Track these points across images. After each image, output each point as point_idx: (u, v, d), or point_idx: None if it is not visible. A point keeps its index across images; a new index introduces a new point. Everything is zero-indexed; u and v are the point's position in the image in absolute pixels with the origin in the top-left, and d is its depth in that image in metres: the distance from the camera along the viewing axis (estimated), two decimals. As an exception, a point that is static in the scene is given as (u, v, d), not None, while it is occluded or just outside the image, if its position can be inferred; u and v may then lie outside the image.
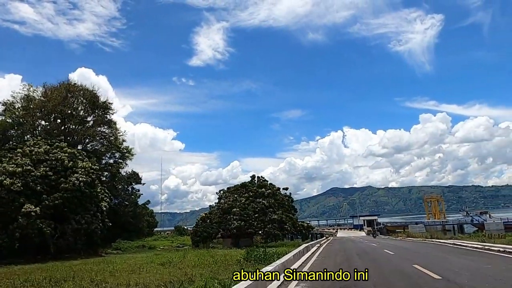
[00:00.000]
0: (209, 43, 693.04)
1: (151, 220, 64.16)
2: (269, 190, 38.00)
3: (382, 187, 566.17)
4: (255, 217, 35.32)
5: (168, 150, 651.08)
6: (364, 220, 79.76)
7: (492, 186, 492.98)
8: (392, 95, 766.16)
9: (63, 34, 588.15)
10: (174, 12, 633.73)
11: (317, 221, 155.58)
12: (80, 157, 32.82)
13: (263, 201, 36.26)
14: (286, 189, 40.66)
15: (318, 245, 26.09)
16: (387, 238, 43.86)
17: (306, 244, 21.47)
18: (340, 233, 71.17)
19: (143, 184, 56.74)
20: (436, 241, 25.88)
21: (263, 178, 40.59)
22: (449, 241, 24.09)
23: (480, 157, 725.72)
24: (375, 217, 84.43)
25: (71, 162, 30.86)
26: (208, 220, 36.96)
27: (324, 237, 51.19)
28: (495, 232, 47.76)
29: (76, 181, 29.76)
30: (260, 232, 35.74)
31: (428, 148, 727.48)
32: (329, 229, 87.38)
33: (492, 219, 68.07)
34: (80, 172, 30.78)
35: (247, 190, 38.35)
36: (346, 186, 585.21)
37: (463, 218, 75.26)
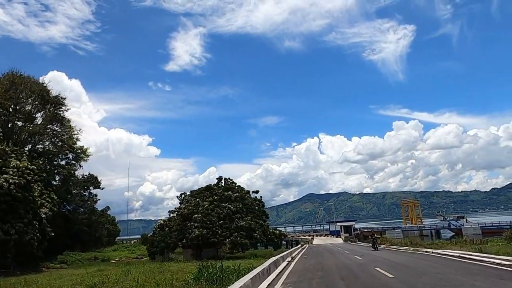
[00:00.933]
0: (186, 48, 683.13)
1: (112, 228, 58.96)
2: (237, 194, 33.64)
3: (357, 193, 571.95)
4: (220, 224, 30.82)
5: (144, 156, 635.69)
6: (341, 226, 76.94)
7: (462, 191, 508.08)
8: (367, 103, 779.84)
9: (34, 36, 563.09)
10: (151, 17, 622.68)
11: (292, 227, 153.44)
12: (13, 155, 27.94)
13: (230, 206, 31.82)
14: (257, 192, 36.23)
15: (290, 258, 22.30)
16: (369, 246, 40.41)
17: (275, 258, 17.74)
18: (316, 240, 67.86)
19: (102, 188, 52.05)
20: (434, 253, 20.62)
21: (231, 180, 36.23)
22: (451, 252, 18.74)
23: (450, 163, 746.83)
24: (353, 223, 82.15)
25: (0, 161, 25.99)
26: (167, 228, 32.30)
27: (299, 245, 47.74)
28: (473, 237, 45.78)
29: (5, 183, 24.98)
30: (225, 241, 31.26)
31: (401, 155, 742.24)
32: (305, 236, 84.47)
33: (469, 224, 66.91)
34: (11, 172, 25.98)
35: (211, 194, 33.86)
36: (322, 192, 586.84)
37: (440, 223, 73.99)
